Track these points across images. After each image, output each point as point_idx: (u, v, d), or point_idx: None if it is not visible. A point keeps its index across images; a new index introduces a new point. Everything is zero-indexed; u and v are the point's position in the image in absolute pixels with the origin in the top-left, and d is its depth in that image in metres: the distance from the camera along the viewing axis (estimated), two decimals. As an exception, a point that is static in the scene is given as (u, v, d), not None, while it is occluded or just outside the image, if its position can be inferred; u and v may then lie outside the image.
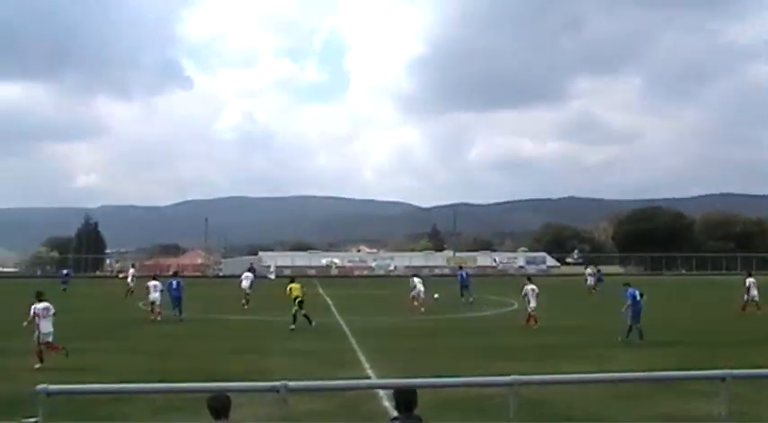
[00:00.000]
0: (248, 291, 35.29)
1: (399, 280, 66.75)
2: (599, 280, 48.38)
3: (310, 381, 7.72)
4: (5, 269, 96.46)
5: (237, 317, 27.73)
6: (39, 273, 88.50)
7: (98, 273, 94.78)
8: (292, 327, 23.49)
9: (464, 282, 36.65)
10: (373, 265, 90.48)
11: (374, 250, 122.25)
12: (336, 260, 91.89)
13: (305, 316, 24.33)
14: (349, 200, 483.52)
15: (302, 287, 25.87)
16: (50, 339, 17.10)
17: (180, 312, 27.97)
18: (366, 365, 16.11)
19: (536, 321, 24.08)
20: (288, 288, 25.44)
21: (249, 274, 37.11)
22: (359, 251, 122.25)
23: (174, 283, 29.26)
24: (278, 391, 4.45)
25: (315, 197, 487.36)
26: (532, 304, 24.30)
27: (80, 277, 69.32)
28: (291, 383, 4.54)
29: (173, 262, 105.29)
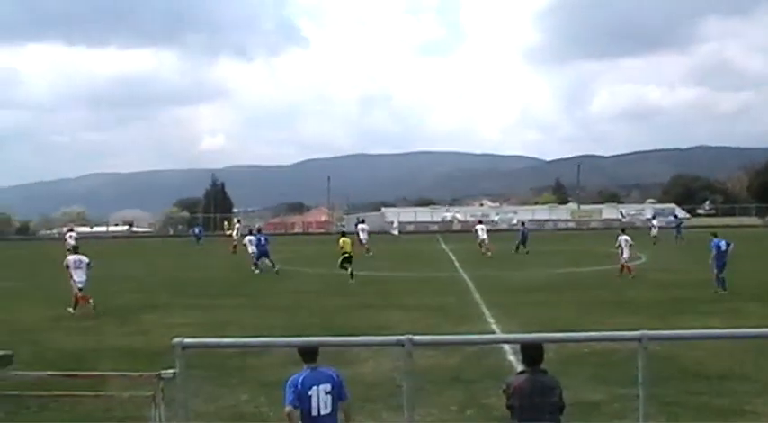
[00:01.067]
0: (366, 242, 37.92)
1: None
2: (678, 229, 47.43)
3: (434, 335, 7.71)
4: (141, 229, 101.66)
5: (361, 272, 28.16)
6: (171, 232, 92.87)
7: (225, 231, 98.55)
8: (352, 281, 24.63)
9: (524, 235, 38.65)
10: (496, 219, 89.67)
11: (497, 204, 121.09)
12: (459, 215, 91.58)
13: (344, 268, 25.51)
14: (470, 155, 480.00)
15: (351, 242, 27.41)
16: (81, 287, 18.89)
17: (273, 265, 29.64)
18: (490, 320, 16.03)
19: (630, 271, 24.72)
20: (339, 241, 26.66)
21: (365, 226, 40.31)
22: (481, 205, 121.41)
23: (262, 238, 31.15)
24: (402, 346, 4.41)
25: (436, 152, 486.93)
26: (625, 255, 25.08)
27: (209, 236, 72.13)
28: (416, 337, 4.49)
29: (297, 220, 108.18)
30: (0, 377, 4.28)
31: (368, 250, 37.70)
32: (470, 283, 23.55)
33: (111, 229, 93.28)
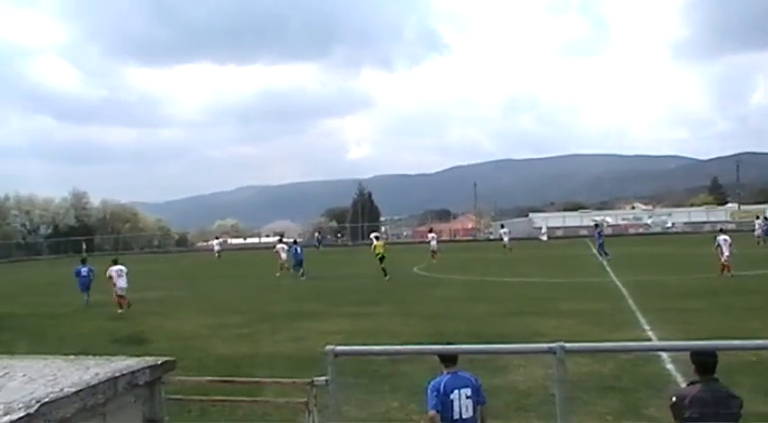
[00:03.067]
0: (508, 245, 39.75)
1: (678, 237, 63.17)
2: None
3: (587, 342, 7.48)
4: (291, 239, 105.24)
5: (510, 279, 27.83)
6: (318, 242, 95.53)
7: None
8: (387, 278, 29.95)
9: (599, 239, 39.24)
10: (649, 222, 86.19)
11: (649, 207, 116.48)
12: (609, 218, 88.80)
13: (382, 269, 31.08)
14: (619, 156, 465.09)
15: (384, 244, 33.98)
16: (123, 293, 23.80)
17: (303, 274, 33.65)
18: (646, 326, 15.37)
19: (729, 270, 25.31)
20: (372, 246, 32.87)
21: (506, 230, 45.97)
22: (633, 208, 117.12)
23: (299, 249, 35.99)
24: (554, 353, 4.28)
25: (583, 155, 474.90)
26: (726, 253, 25.92)
27: (358, 245, 73.66)
28: (568, 345, 4.35)
29: (444, 227, 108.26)
30: (164, 382, 4.49)
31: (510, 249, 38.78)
32: (623, 289, 22.72)
33: (263, 240, 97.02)
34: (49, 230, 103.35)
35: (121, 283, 24.16)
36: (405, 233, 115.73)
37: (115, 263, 25.32)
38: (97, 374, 3.95)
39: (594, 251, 41.69)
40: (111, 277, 24.31)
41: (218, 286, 31.95)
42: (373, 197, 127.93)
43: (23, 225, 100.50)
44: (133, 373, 4.11)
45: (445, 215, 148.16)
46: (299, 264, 35.06)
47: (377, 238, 34.46)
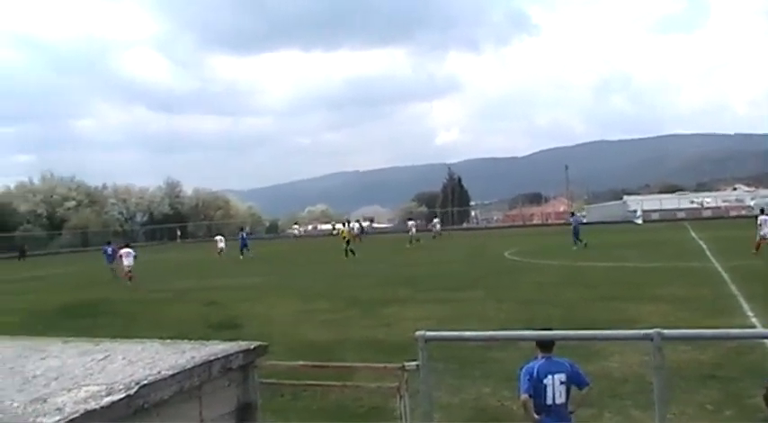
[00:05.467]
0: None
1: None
2: None
3: (685, 328, 7.26)
4: (380, 225, 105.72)
5: (604, 263, 27.26)
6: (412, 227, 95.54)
7: (464, 225, 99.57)
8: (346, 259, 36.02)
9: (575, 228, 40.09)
10: (752, 204, 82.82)
11: (751, 188, 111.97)
12: (708, 200, 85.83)
13: (349, 251, 38.59)
14: (718, 135, 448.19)
15: (350, 231, 43.51)
16: (130, 270, 31.20)
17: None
18: (750, 313, 14.80)
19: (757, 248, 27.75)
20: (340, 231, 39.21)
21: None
22: (734, 190, 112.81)
23: (244, 234, 46.89)
24: (651, 340, 4.18)
25: (679, 135, 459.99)
26: (764, 231, 28.53)
27: (447, 229, 73.43)
28: (666, 331, 4.24)
29: (536, 211, 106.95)
30: (257, 366, 4.60)
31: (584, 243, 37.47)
32: (725, 274, 21.93)
33: (353, 225, 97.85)
34: (145, 218, 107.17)
35: (128, 261, 31.81)
36: (495, 217, 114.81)
37: (127, 246, 33.92)
38: (193, 358, 4.06)
39: (693, 234, 40.43)
40: (121, 256, 32.60)
41: (307, 272, 32.46)
42: (463, 181, 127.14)
43: (121, 213, 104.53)
44: (227, 357, 4.21)
45: (536, 199, 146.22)
46: (244, 246, 46.75)
47: (343, 223, 43.40)
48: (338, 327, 16.01)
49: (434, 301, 19.32)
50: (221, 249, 48.73)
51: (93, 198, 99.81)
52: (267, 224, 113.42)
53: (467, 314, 16.80)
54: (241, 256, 45.82)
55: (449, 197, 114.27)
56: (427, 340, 4.70)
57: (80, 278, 36.96)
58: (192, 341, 4.71)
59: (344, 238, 40.90)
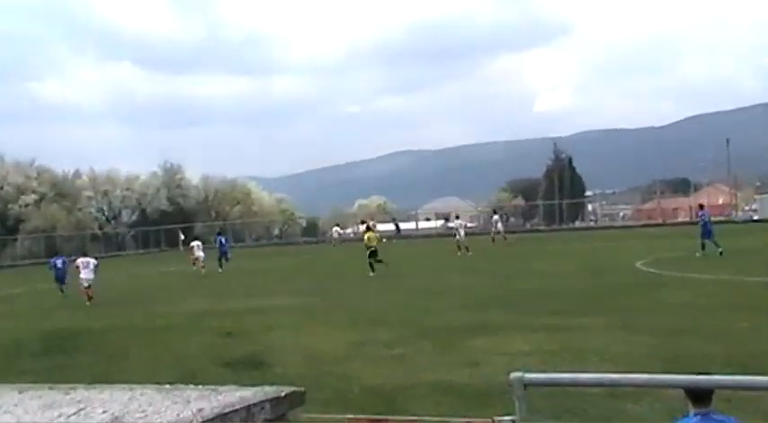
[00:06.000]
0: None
1: None
2: None
3: None
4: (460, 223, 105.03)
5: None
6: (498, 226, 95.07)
7: (577, 223, 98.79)
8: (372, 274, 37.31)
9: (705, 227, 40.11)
10: None
11: None
12: None
13: (372, 263, 38.90)
14: None
15: (379, 236, 42.92)
16: (87, 285, 33.98)
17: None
18: None
19: None
20: (365, 236, 39.79)
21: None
22: None
23: (223, 239, 51.48)
24: None
25: None
26: None
27: (555, 230, 72.98)
28: None
29: (682, 204, 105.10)
30: (290, 419, 4.55)
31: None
32: None
33: (423, 224, 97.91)
34: (135, 217, 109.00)
35: (85, 274, 34.41)
36: (622, 214, 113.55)
37: (84, 255, 37.14)
38: (201, 411, 4.04)
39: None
40: (77, 267, 35.19)
41: (359, 289, 32.54)
42: (575, 163, 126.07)
43: (100, 210, 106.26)
44: (249, 407, 4.18)
45: (682, 186, 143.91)
46: (223, 254, 49.76)
47: (368, 227, 43.48)
48: (404, 365, 15.96)
49: (539, 329, 19.14)
50: (198, 259, 50.37)
51: (61, 190, 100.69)
52: (303, 223, 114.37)
53: (583, 348, 16.57)
54: (220, 269, 48.06)
55: (555, 185, 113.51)
56: (527, 385, 4.63)
57: (47, 300, 37.67)
58: (201, 386, 4.69)
59: (368, 246, 41.04)
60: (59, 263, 39.90)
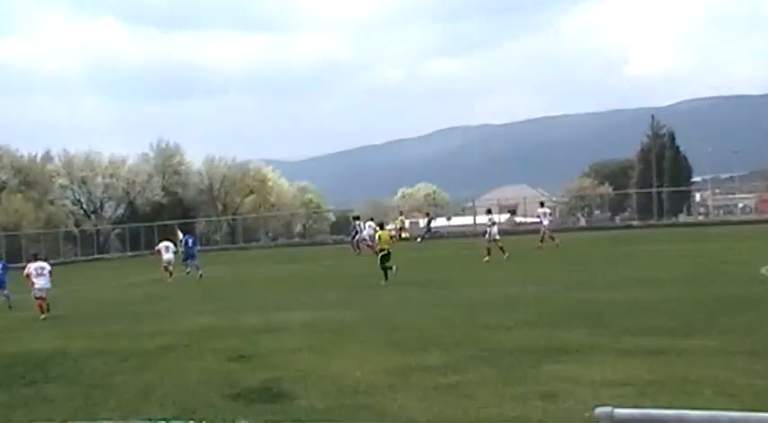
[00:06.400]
0: None
1: None
2: None
3: None
4: (529, 219, 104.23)
5: None
6: (579, 220, 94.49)
7: (680, 217, 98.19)
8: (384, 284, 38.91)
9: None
10: None
11: None
12: None
13: (385, 269, 40.37)
14: None
15: (391, 237, 44.39)
16: (44, 295, 35.02)
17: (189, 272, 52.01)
18: None
19: None
20: (376, 237, 42.29)
21: None
22: None
23: (190, 240, 54.57)
24: None
25: None
26: None
27: (653, 226, 72.62)
28: None
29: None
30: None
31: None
32: None
33: (480, 219, 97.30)
34: (121, 211, 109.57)
35: (41, 282, 35.36)
36: (741, 205, 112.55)
37: (35, 258, 38.05)
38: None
39: None
40: (28, 276, 35.97)
41: (403, 301, 32.56)
42: (678, 141, 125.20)
43: (77, 203, 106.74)
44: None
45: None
46: (190, 257, 53.57)
47: (381, 225, 46.17)
48: (460, 397, 15.93)
49: (632, 354, 19.07)
50: (168, 263, 52.74)
51: (27, 177, 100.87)
52: (332, 218, 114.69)
53: (691, 378, 16.45)
54: (187, 271, 51.25)
55: (652, 169, 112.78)
56: (618, 422, 4.60)
57: (3, 317, 38.22)
58: None
59: (380, 249, 42.60)
60: None
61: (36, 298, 35.11)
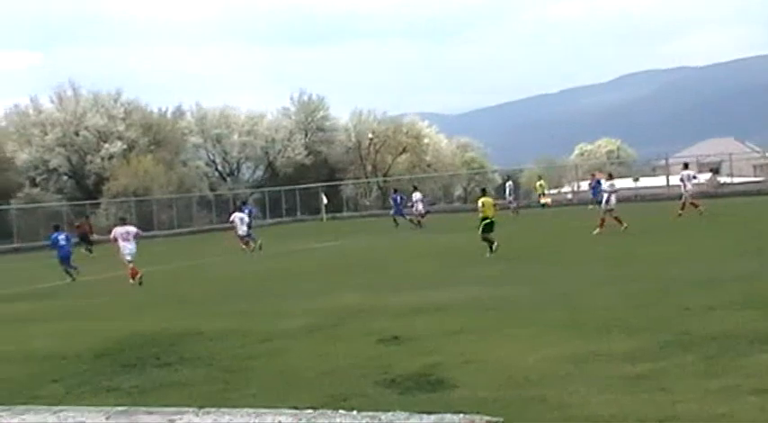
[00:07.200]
0: None
1: None
2: None
3: None
4: (741, 178, 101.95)
5: None
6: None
7: None
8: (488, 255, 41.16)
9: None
10: None
11: None
12: None
13: (488, 240, 42.08)
14: None
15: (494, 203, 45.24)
16: (129, 258, 39.79)
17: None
18: None
19: None
20: (480, 203, 43.29)
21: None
22: None
23: (251, 209, 58.29)
24: None
25: None
26: None
27: None
28: None
29: None
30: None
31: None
32: None
33: (673, 179, 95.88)
34: (259, 172, 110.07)
35: (130, 247, 40.05)
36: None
37: (123, 222, 43.36)
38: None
39: None
40: (115, 240, 41.01)
41: (580, 276, 32.26)
42: None
43: (212, 164, 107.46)
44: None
45: None
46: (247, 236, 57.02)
47: (483, 191, 47.28)
48: (653, 389, 15.62)
49: None
50: (245, 236, 58.46)
51: (158, 135, 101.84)
52: (498, 179, 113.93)
53: None
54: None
55: None
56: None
57: (133, 291, 39.12)
58: (356, 412, 4.71)
59: (484, 217, 43.07)
60: (62, 239, 44.46)
61: (128, 262, 39.80)
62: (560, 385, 16.22)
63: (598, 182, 74.99)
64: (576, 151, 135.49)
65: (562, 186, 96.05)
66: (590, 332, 20.93)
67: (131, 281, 38.47)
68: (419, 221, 67.54)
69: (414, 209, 68.16)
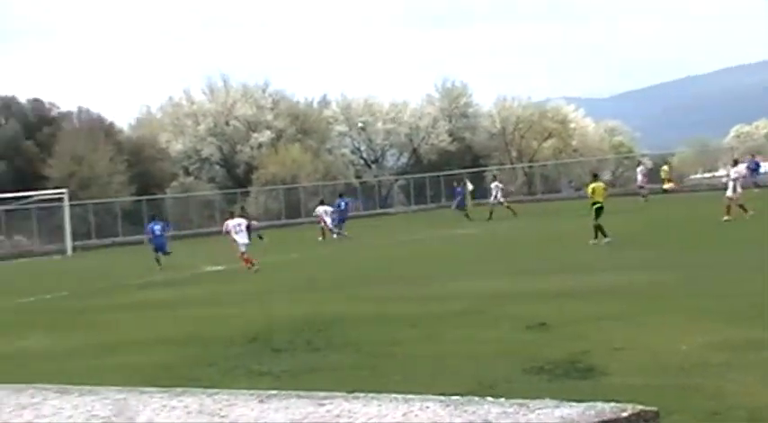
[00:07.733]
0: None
1: None
2: None
3: None
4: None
5: None
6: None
7: None
8: (596, 241, 41.36)
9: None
10: None
11: None
12: None
13: (597, 228, 41.51)
14: None
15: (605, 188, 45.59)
16: (244, 250, 42.15)
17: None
18: None
19: None
20: (590, 189, 43.62)
21: None
22: None
23: (343, 203, 60.95)
24: None
25: None
26: None
27: None
28: None
29: None
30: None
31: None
32: None
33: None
34: (403, 159, 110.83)
35: (242, 238, 42.58)
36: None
37: (232, 216, 46.32)
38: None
39: None
40: (228, 233, 44.14)
41: (738, 262, 31.79)
42: None
43: (357, 151, 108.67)
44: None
45: None
46: (341, 221, 62.41)
47: (595, 176, 47.56)
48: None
49: None
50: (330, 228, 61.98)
51: (304, 124, 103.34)
52: (648, 164, 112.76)
53: None
54: (344, 233, 61.03)
55: None
56: None
57: (284, 276, 39.83)
58: (504, 400, 4.62)
59: (595, 202, 42.97)
60: (158, 229, 46.81)
61: (242, 253, 42.08)
62: (718, 374, 15.96)
63: (757, 164, 73.65)
64: (732, 133, 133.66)
65: (717, 170, 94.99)
66: (743, 320, 20.58)
67: (248, 266, 41.08)
68: (509, 207, 67.46)
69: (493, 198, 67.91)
